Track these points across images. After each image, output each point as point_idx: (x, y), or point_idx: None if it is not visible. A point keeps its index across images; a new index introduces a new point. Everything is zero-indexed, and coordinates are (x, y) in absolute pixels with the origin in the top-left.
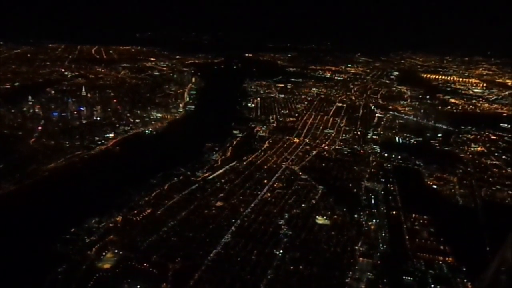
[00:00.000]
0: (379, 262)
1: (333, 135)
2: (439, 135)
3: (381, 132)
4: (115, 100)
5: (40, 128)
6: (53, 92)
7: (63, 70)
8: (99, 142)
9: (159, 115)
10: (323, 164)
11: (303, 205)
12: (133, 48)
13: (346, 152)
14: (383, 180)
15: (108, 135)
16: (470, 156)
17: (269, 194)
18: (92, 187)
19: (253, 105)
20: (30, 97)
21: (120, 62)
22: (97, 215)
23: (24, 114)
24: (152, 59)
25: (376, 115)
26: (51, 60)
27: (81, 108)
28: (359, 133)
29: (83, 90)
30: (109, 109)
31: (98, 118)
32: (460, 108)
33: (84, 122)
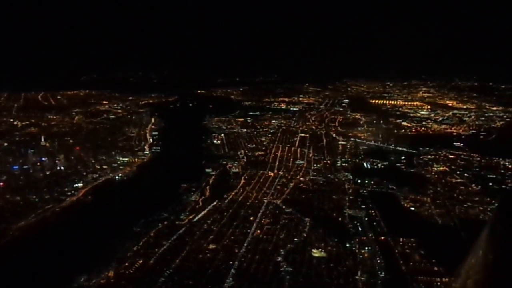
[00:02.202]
0: None
1: (304, 165)
2: (402, 157)
3: (349, 159)
4: (77, 148)
5: (1, 184)
6: (6, 144)
7: (11, 120)
8: (69, 193)
9: (126, 159)
10: (303, 196)
11: (295, 239)
12: (81, 92)
13: (321, 182)
14: (363, 206)
15: (76, 184)
16: (436, 176)
17: (259, 231)
18: (71, 243)
19: (218, 141)
20: None
21: (71, 107)
22: (85, 272)
23: None
24: (104, 102)
25: (339, 142)
26: None
27: (43, 159)
28: (328, 162)
29: (42, 139)
30: (72, 157)
31: (63, 168)
32: (413, 130)
33: (48, 173)
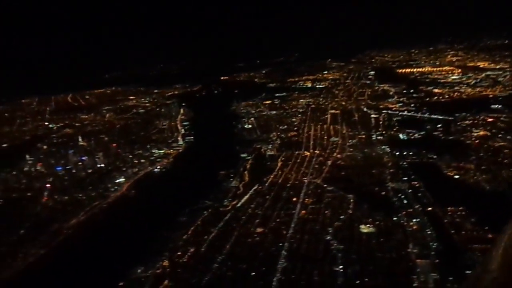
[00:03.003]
0: (437, 261)
1: (339, 142)
2: (439, 125)
3: (384, 132)
4: (114, 145)
5: (48, 185)
6: (45, 147)
7: (46, 123)
8: (113, 189)
9: (162, 151)
10: (343, 173)
11: (341, 216)
12: (108, 89)
13: (359, 157)
14: (405, 178)
15: (118, 180)
16: (476, 141)
17: (304, 212)
18: (122, 236)
19: (249, 125)
20: (27, 156)
21: (101, 105)
22: (140, 264)
23: (28, 174)
24: (131, 97)
25: (371, 116)
26: (30, 115)
27: (83, 158)
28: (363, 136)
29: (80, 139)
30: (110, 154)
31: (103, 165)
32: (446, 96)
33: (89, 171)
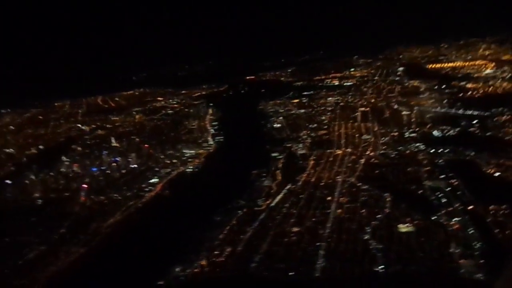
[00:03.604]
0: (481, 261)
1: (372, 140)
2: (474, 121)
3: (417, 129)
4: (145, 145)
5: (85, 186)
6: (79, 148)
7: (79, 125)
8: (147, 189)
9: (193, 151)
10: (377, 171)
11: (378, 216)
12: (136, 91)
13: (393, 155)
14: (443, 176)
15: (152, 180)
16: None
17: (339, 211)
18: (159, 235)
19: (278, 124)
20: (64, 157)
21: (130, 107)
22: (178, 263)
23: (65, 174)
24: (159, 98)
25: (403, 113)
26: (64, 117)
27: (117, 159)
28: (396, 134)
29: (112, 140)
30: (142, 155)
31: (136, 166)
32: (480, 91)
33: (123, 172)
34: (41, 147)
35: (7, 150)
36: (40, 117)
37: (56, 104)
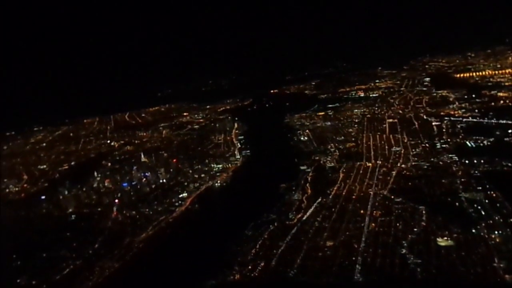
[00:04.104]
0: None
1: (402, 152)
2: (510, 131)
3: (448, 140)
4: (174, 160)
5: (117, 201)
6: (109, 164)
7: (108, 141)
8: (177, 204)
9: (220, 166)
10: (409, 183)
11: (414, 229)
12: (162, 107)
13: (425, 167)
14: (480, 188)
15: (181, 195)
16: None
17: (373, 225)
18: (191, 250)
19: (305, 137)
20: (95, 173)
21: (157, 122)
22: (211, 277)
23: (97, 190)
24: (185, 114)
25: (433, 123)
26: (93, 134)
27: (146, 174)
28: (427, 145)
29: (142, 156)
30: (171, 170)
31: (165, 181)
32: None
33: (153, 187)
34: (73, 163)
35: (40, 167)
36: (71, 134)
37: (85, 121)
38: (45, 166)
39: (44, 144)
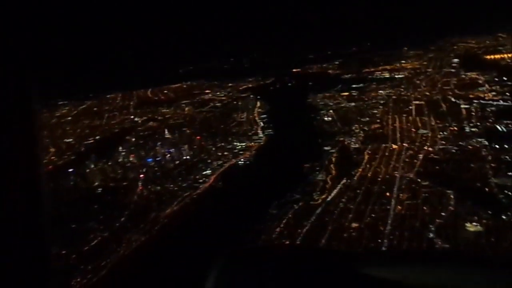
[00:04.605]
0: None
1: (429, 135)
2: None
3: (478, 124)
4: (198, 137)
5: (142, 176)
6: (133, 139)
7: (132, 117)
8: (201, 181)
9: (243, 144)
10: (437, 167)
11: (442, 213)
12: (184, 84)
13: (453, 151)
14: (510, 174)
15: (205, 172)
16: None
17: (399, 207)
18: (216, 227)
19: (329, 118)
20: (120, 148)
21: (179, 99)
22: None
23: (122, 164)
24: (207, 91)
25: (462, 106)
26: (117, 109)
27: (170, 150)
28: (455, 128)
29: (166, 132)
30: (194, 147)
31: (188, 157)
32: None
33: (177, 163)
34: (97, 137)
35: (67, 140)
36: (95, 108)
37: (108, 96)
38: (71, 140)
39: (70, 118)
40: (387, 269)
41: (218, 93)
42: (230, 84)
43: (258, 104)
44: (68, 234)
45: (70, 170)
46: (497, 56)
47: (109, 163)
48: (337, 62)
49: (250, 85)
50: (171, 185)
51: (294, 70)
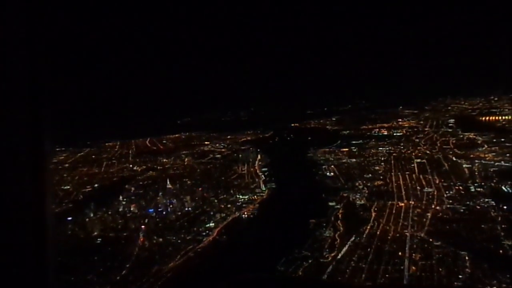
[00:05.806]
0: None
1: (435, 193)
2: None
3: (482, 184)
4: (200, 189)
5: (143, 227)
6: (133, 188)
7: (131, 166)
8: (204, 233)
9: (246, 197)
10: (447, 227)
11: (460, 276)
12: (183, 135)
13: (462, 210)
14: None
15: (208, 224)
16: None
17: (414, 268)
18: (221, 283)
19: (331, 173)
20: (121, 197)
21: (178, 150)
22: None
23: (123, 214)
24: (206, 142)
25: (464, 166)
26: (115, 158)
27: (172, 201)
28: (460, 188)
29: (168, 182)
30: (196, 198)
31: (190, 209)
32: None
33: (179, 214)
34: (96, 185)
35: (64, 187)
36: (93, 156)
37: (107, 144)
38: (69, 187)
39: (67, 165)
40: None
41: (217, 144)
42: (229, 136)
43: (259, 157)
44: (66, 287)
45: (69, 218)
46: (492, 118)
47: (109, 212)
48: (334, 119)
49: (249, 138)
50: (174, 238)
51: (292, 124)
